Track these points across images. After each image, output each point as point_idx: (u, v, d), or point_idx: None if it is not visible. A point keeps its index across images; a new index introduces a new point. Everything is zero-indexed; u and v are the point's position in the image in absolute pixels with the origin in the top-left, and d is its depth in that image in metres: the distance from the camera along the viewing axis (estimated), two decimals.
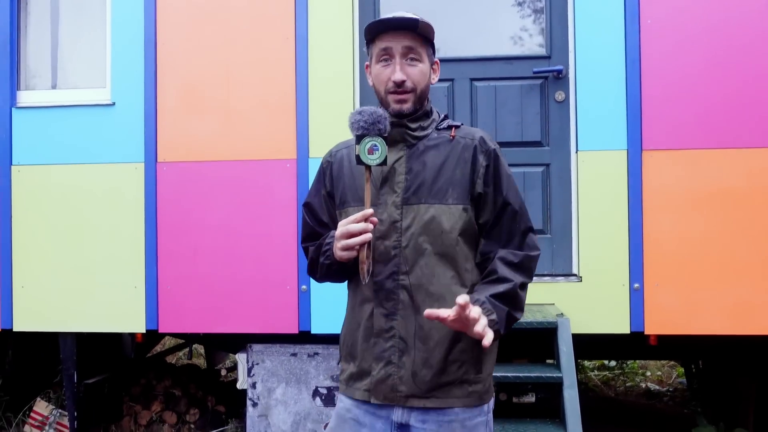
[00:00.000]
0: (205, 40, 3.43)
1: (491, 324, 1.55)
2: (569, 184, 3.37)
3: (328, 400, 3.40)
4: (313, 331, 3.34)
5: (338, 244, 1.62)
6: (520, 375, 2.92)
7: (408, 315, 1.67)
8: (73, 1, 3.66)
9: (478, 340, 1.54)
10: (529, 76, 3.42)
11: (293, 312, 3.37)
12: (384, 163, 1.63)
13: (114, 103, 3.46)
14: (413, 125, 1.73)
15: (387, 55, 1.70)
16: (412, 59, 1.69)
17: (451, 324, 1.51)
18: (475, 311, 1.49)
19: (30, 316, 3.52)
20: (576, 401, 2.81)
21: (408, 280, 1.68)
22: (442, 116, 1.82)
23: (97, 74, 3.60)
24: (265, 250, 3.39)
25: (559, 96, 3.38)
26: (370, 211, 1.62)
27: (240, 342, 3.59)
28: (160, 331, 3.47)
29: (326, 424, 3.36)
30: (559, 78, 3.38)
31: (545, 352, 3.26)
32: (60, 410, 3.94)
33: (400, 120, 1.72)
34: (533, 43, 3.48)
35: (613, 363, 5.95)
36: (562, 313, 3.11)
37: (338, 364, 1.99)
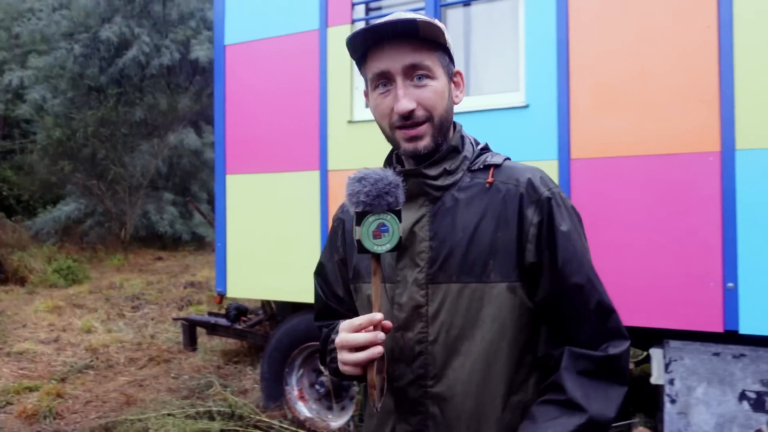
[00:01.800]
0: (617, 37, 3.46)
1: None
2: None
3: (758, 405, 3.22)
4: (741, 331, 3.18)
5: (340, 357, 1.18)
6: None
7: None
8: (486, 12, 3.99)
9: None
10: None
11: (717, 310, 3.24)
12: (398, 247, 1.14)
13: (528, 105, 3.69)
14: (433, 172, 1.25)
15: (385, 80, 1.22)
16: (419, 77, 1.21)
17: None
18: None
19: None
20: None
21: (439, 388, 1.23)
22: (478, 149, 1.32)
23: (509, 79, 3.88)
24: (684, 245, 3.31)
25: None
26: (380, 316, 1.14)
27: (651, 337, 3.58)
28: None
29: (756, 430, 3.19)
30: None
31: None
32: None
33: (416, 166, 1.25)
34: None
35: None
36: None
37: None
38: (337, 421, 4.49)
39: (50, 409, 4.58)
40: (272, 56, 4.55)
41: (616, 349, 1.17)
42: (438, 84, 1.23)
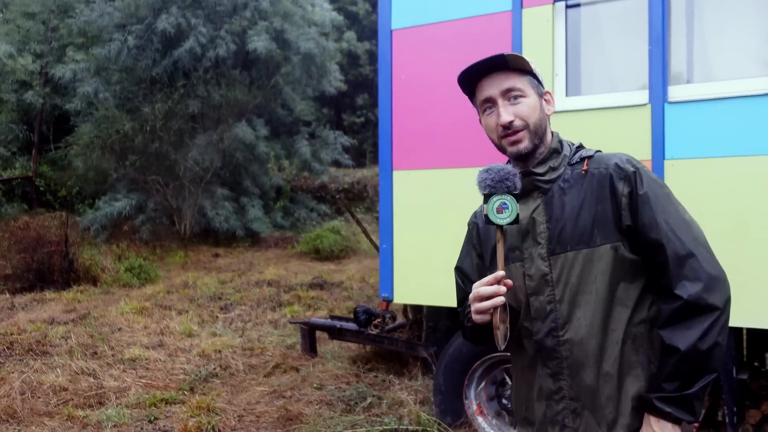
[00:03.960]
0: None
1: (674, 420, 1.46)
2: None
3: None
4: None
5: (472, 308, 1.54)
6: None
7: (574, 373, 1.56)
8: None
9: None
10: None
11: None
12: (516, 221, 1.52)
13: None
14: (541, 170, 1.63)
15: (489, 103, 1.62)
16: (515, 97, 1.59)
17: None
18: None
19: None
20: None
21: (568, 336, 1.56)
22: (575, 148, 1.68)
23: (751, 64, 3.50)
24: None
25: None
26: (502, 273, 1.51)
27: None
28: None
29: None
30: None
31: None
32: None
33: (524, 164, 1.62)
34: None
35: None
36: None
37: (515, 429, 1.81)
38: None
39: (213, 427, 4.22)
40: (450, 42, 4.17)
41: (704, 284, 1.45)
42: (530, 100, 1.61)
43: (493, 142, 1.67)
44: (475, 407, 4.25)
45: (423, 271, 4.30)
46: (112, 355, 6.09)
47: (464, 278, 1.80)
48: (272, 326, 7.40)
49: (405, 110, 4.34)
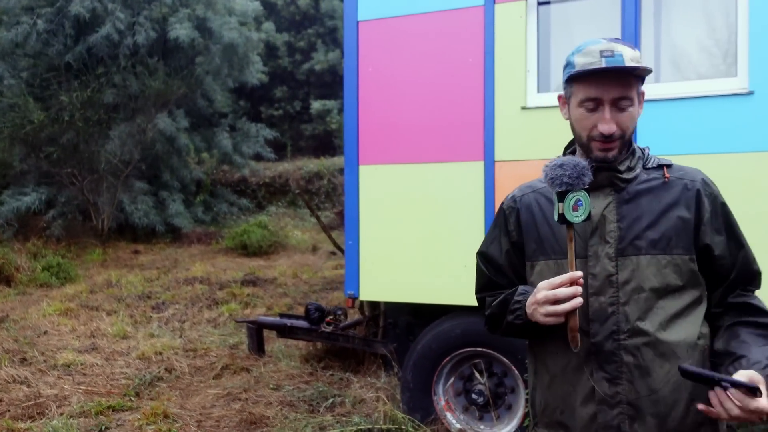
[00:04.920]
0: None
1: None
2: None
3: None
4: None
5: (542, 310, 1.49)
6: None
7: (635, 378, 1.52)
8: None
9: None
10: None
11: None
12: (589, 218, 1.50)
13: (753, 92, 3.45)
14: (622, 167, 1.58)
15: (594, 103, 1.53)
16: (623, 108, 1.52)
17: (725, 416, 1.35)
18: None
19: None
20: None
21: (631, 341, 1.52)
22: (645, 152, 1.65)
23: (719, 64, 3.63)
24: None
25: None
26: (580, 274, 1.47)
27: None
28: None
29: None
30: None
31: None
32: None
33: (607, 164, 1.57)
34: None
35: None
36: None
37: (532, 428, 1.76)
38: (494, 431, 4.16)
39: None
40: (420, 35, 4.12)
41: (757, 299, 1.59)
42: (634, 110, 1.54)
43: (576, 135, 1.62)
44: (443, 403, 4.24)
45: (389, 267, 4.24)
46: (44, 361, 5.69)
47: (488, 264, 1.75)
48: (211, 325, 7.14)
49: (372, 104, 4.26)
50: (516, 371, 4.00)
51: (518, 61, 3.88)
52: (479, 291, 1.80)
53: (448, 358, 4.17)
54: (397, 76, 4.18)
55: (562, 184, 1.47)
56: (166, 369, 5.54)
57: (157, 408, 4.41)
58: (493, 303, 1.70)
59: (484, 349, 4.06)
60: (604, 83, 1.51)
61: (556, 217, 1.50)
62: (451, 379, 4.27)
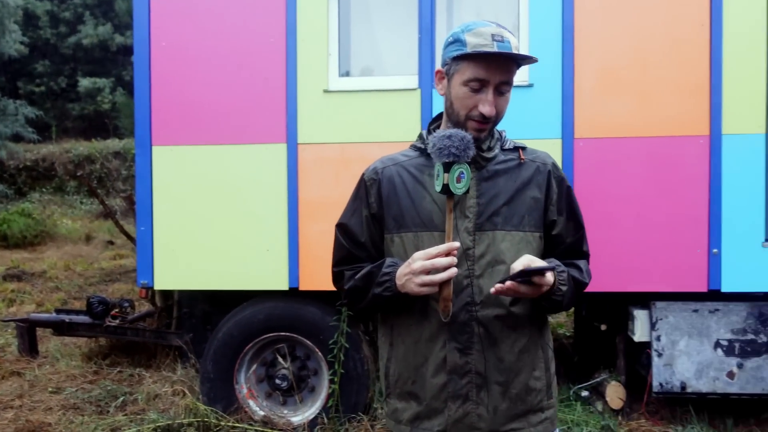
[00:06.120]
0: (620, 27, 3.73)
1: (557, 293, 1.59)
2: None
3: (729, 351, 3.81)
4: (723, 290, 3.72)
5: (417, 279, 1.51)
6: None
7: (485, 348, 1.59)
8: None
9: (550, 364, 1.70)
10: None
11: (702, 272, 3.75)
12: (468, 191, 1.53)
13: (532, 85, 3.79)
14: (485, 146, 1.65)
15: (479, 84, 1.55)
16: (503, 91, 1.58)
17: (521, 291, 1.51)
18: (550, 277, 1.52)
19: None
20: None
21: (483, 312, 1.59)
22: (502, 134, 1.74)
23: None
24: (675, 218, 3.74)
25: None
26: (457, 244, 1.51)
27: (634, 300, 3.97)
28: None
29: (728, 372, 3.78)
30: None
31: None
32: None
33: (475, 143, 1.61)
34: None
35: None
36: None
37: (384, 399, 1.79)
38: (298, 415, 4.15)
39: None
40: (219, 11, 3.94)
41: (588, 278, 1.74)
42: (509, 94, 1.60)
43: (452, 109, 1.61)
44: (245, 391, 4.14)
45: (187, 254, 4.02)
46: None
47: (348, 237, 1.71)
48: None
49: (165, 80, 3.99)
50: (319, 353, 4.01)
51: (320, 44, 3.87)
52: (336, 264, 1.75)
53: (250, 345, 4.07)
54: (195, 51, 3.96)
55: (450, 155, 1.47)
56: None
57: None
58: (356, 276, 1.67)
59: (288, 333, 4.02)
60: (492, 67, 1.53)
61: (438, 188, 1.50)
62: (254, 366, 4.18)
